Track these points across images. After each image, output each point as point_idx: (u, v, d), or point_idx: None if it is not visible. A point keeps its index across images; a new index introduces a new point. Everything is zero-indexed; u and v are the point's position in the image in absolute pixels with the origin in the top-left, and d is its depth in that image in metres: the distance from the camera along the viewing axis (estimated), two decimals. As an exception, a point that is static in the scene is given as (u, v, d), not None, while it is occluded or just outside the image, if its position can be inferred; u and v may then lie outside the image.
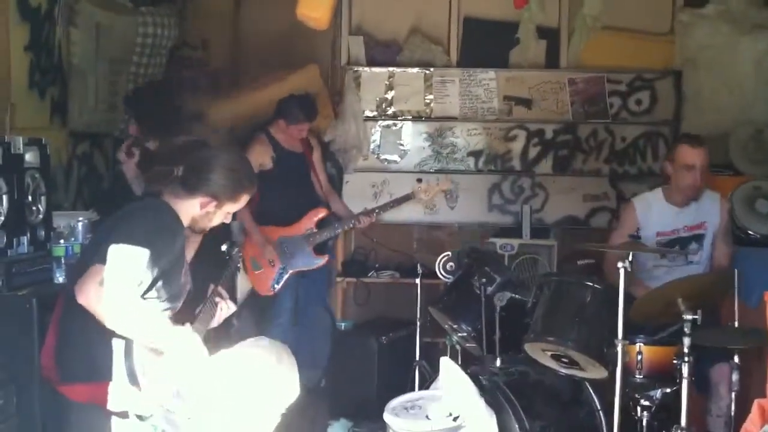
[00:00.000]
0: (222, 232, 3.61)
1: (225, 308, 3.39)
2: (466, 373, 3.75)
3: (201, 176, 3.11)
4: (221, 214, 3.20)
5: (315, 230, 5.28)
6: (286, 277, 5.21)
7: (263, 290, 5.23)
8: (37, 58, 4.61)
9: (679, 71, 6.10)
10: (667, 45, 6.15)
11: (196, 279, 3.34)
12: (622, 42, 6.15)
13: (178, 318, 3.08)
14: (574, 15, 6.15)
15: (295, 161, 5.33)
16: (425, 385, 4.33)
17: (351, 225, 5.34)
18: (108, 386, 2.87)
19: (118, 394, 2.87)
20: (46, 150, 3.88)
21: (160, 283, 2.97)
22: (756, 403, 3.12)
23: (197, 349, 2.98)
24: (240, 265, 3.69)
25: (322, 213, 5.34)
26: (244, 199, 3.24)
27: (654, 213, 4.34)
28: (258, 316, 5.37)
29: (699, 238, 4.32)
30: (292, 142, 5.33)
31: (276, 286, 5.21)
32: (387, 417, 3.66)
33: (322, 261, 5.35)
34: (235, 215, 3.48)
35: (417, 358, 4.64)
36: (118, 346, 2.84)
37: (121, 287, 2.79)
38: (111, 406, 2.89)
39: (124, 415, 2.89)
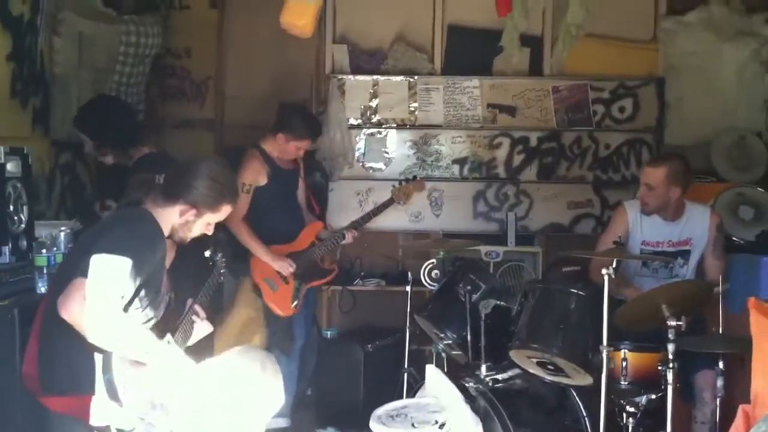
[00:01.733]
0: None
1: (202, 328, 3.37)
2: (452, 380, 3.75)
3: (182, 184, 3.09)
4: (201, 224, 3.17)
5: (318, 242, 5.19)
6: (303, 292, 5.08)
7: (284, 310, 4.99)
8: (19, 68, 4.59)
9: (662, 78, 6.13)
10: (649, 52, 6.19)
11: (178, 288, 3.32)
12: (606, 49, 6.18)
13: (159, 327, 3.06)
14: (557, 23, 6.17)
15: (288, 179, 5.17)
16: (412, 392, 4.32)
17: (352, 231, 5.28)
18: (89, 399, 2.85)
19: (98, 408, 2.85)
20: (28, 159, 3.86)
21: (142, 293, 2.95)
22: (740, 408, 3.12)
23: (180, 362, 2.97)
24: (224, 270, 3.65)
25: (320, 226, 5.29)
26: (225, 210, 3.22)
27: (644, 220, 4.35)
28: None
29: (684, 254, 4.33)
30: (285, 159, 5.11)
31: (295, 303, 5.02)
32: (373, 425, 3.65)
33: (333, 272, 5.30)
34: (220, 227, 3.44)
35: (405, 365, 4.62)
36: (97, 360, 2.82)
37: (104, 299, 2.76)
38: (93, 420, 2.87)
39: (105, 429, 2.87)
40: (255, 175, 4.96)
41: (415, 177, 5.75)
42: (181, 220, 3.13)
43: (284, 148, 5.03)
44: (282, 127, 4.99)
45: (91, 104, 4.77)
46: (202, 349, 3.25)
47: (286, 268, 4.96)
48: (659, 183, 4.23)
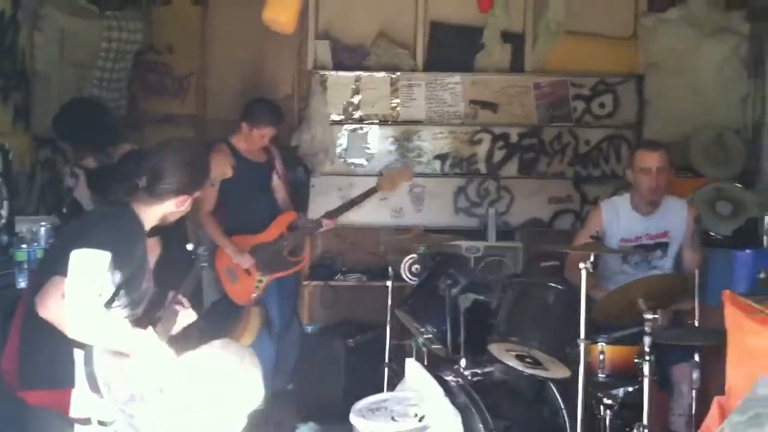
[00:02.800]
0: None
1: (184, 316, 3.39)
2: (432, 374, 3.78)
3: (166, 181, 3.11)
4: (189, 204, 3.24)
5: (287, 234, 5.25)
6: (264, 284, 5.16)
7: (243, 301, 5.11)
8: (0, 63, 4.58)
9: (642, 75, 6.17)
10: (629, 49, 6.23)
11: (160, 282, 3.33)
12: (586, 46, 6.22)
13: (141, 322, 3.07)
14: (538, 20, 6.20)
15: (257, 170, 5.24)
16: (392, 386, 4.35)
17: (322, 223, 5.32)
18: (69, 393, 2.87)
19: (79, 400, 2.86)
20: (9, 155, 3.86)
21: (122, 291, 2.96)
22: (715, 400, 3.16)
23: (161, 351, 2.98)
24: (206, 263, 3.67)
25: (291, 217, 5.31)
26: (207, 184, 3.38)
27: (621, 218, 4.36)
28: (227, 321, 5.31)
29: (663, 246, 4.36)
30: (254, 151, 5.21)
31: (256, 294, 5.11)
32: (353, 419, 3.67)
33: (299, 264, 5.33)
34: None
35: (386, 359, 4.65)
36: (78, 353, 2.83)
37: (83, 293, 2.77)
38: (73, 413, 2.88)
39: (86, 421, 2.89)
40: (219, 168, 5.01)
41: (405, 165, 5.76)
42: (176, 210, 3.17)
43: (249, 137, 5.13)
44: (244, 116, 5.12)
45: (64, 110, 4.75)
46: (181, 344, 3.26)
47: (245, 262, 5.05)
48: (663, 163, 4.24)
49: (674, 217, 4.33)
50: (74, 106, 4.81)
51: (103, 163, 4.67)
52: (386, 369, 4.60)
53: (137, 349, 2.93)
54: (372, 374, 4.68)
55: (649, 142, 4.42)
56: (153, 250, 3.54)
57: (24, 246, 3.82)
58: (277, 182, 5.34)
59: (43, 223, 4.03)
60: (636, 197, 4.35)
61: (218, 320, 5.17)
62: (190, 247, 3.60)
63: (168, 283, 3.41)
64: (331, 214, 5.34)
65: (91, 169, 4.73)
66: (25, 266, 3.77)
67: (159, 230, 3.35)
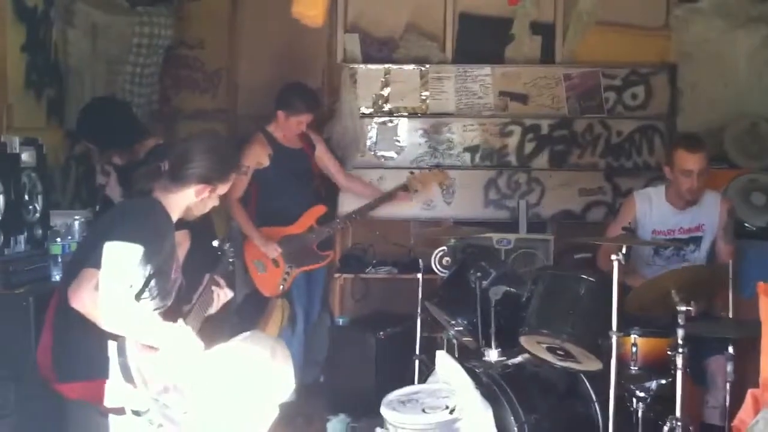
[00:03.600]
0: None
1: (222, 295, 3.42)
2: (463, 366, 3.78)
3: (189, 166, 3.13)
4: (214, 198, 3.24)
5: (316, 227, 5.27)
6: (292, 277, 5.18)
7: (270, 292, 5.16)
8: (34, 59, 4.64)
9: (674, 65, 6.11)
10: (661, 39, 6.16)
11: (189, 276, 3.35)
12: (617, 37, 6.15)
13: (169, 315, 3.09)
14: (568, 10, 6.15)
15: (295, 159, 5.26)
16: (423, 378, 4.35)
17: (354, 217, 5.39)
18: (103, 384, 2.90)
19: (113, 390, 2.89)
20: (42, 150, 3.92)
21: (152, 282, 2.99)
22: (749, 393, 3.13)
23: (192, 344, 3.01)
24: (233, 259, 3.69)
25: (321, 210, 5.32)
26: (233, 178, 3.31)
27: (654, 210, 4.34)
28: (258, 315, 5.34)
29: (696, 240, 4.32)
30: (291, 138, 5.24)
31: (283, 286, 5.15)
32: (384, 411, 3.68)
33: (327, 258, 5.35)
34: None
35: (417, 352, 4.65)
36: (111, 344, 2.87)
37: (116, 286, 2.80)
38: (107, 402, 2.91)
39: (120, 411, 2.91)
40: (255, 158, 5.10)
41: (438, 165, 5.75)
42: (197, 200, 3.18)
43: (286, 125, 5.15)
44: (279, 104, 5.13)
45: (85, 111, 4.77)
46: (212, 337, 3.28)
47: (272, 251, 5.08)
48: (704, 165, 4.20)
49: (708, 211, 4.29)
50: (94, 106, 4.82)
51: (129, 160, 4.71)
52: (417, 361, 4.61)
53: (167, 343, 2.96)
54: (403, 367, 4.69)
55: (690, 141, 4.30)
56: (182, 243, 3.57)
57: (58, 240, 3.87)
58: (321, 170, 5.40)
59: (77, 217, 4.08)
60: (672, 192, 4.30)
61: (251, 313, 5.22)
62: (215, 243, 3.63)
63: (196, 278, 3.44)
64: (362, 211, 5.37)
65: (120, 165, 4.78)
66: (60, 260, 3.82)
67: (186, 224, 3.37)
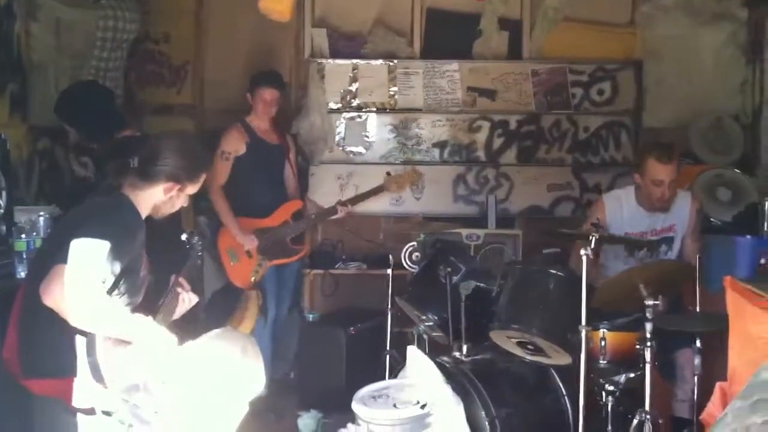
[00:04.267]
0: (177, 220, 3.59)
1: (186, 300, 3.38)
2: (433, 361, 3.78)
3: (158, 163, 3.10)
4: (183, 197, 3.21)
5: (291, 222, 5.25)
6: (264, 269, 5.17)
7: (241, 283, 5.14)
8: (-4, 53, 4.56)
9: (640, 62, 6.17)
10: (627, 36, 6.22)
11: (158, 270, 3.32)
12: (584, 33, 6.21)
13: (140, 311, 3.06)
14: (535, 6, 6.20)
15: (271, 151, 5.26)
16: (394, 374, 4.35)
17: (328, 214, 5.32)
18: (71, 381, 2.86)
19: (82, 390, 2.85)
20: (6, 145, 3.84)
21: (122, 279, 2.96)
22: (717, 386, 3.17)
23: (163, 338, 2.98)
24: (200, 253, 3.66)
25: (297, 205, 5.31)
26: (202, 179, 3.27)
27: (624, 212, 4.33)
28: (228, 310, 5.32)
29: (668, 240, 4.35)
30: (268, 132, 5.26)
31: (254, 278, 5.15)
32: (355, 406, 3.67)
33: (300, 253, 5.33)
34: (202, 209, 3.48)
35: (387, 347, 4.65)
36: (80, 343, 2.83)
37: (84, 282, 2.77)
38: (76, 402, 2.87)
39: (90, 411, 2.88)
40: (234, 144, 5.11)
41: (413, 168, 5.74)
42: (165, 198, 3.14)
43: (256, 108, 5.18)
44: (249, 89, 5.19)
45: (68, 92, 4.70)
46: (182, 334, 3.25)
47: (249, 242, 5.07)
48: (676, 172, 4.19)
49: (679, 211, 4.31)
50: (79, 89, 4.74)
51: (104, 148, 4.64)
52: (387, 356, 4.61)
53: (139, 336, 2.93)
54: (373, 362, 4.68)
55: (661, 151, 4.19)
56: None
57: (23, 236, 3.81)
58: (288, 171, 5.35)
59: (42, 213, 4.02)
60: (642, 196, 4.29)
61: (220, 309, 5.19)
62: (183, 236, 3.59)
63: (164, 272, 3.40)
64: (344, 203, 5.33)
65: (98, 155, 4.71)
66: (25, 256, 3.76)
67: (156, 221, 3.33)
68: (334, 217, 5.33)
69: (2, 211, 3.76)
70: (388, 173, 5.49)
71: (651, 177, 4.19)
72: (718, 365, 3.65)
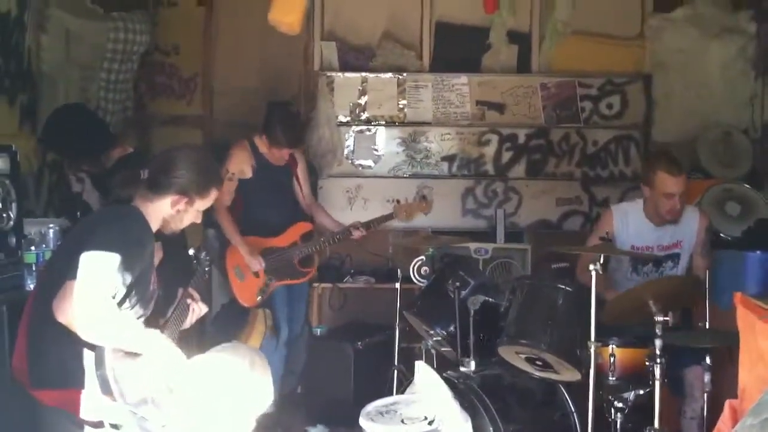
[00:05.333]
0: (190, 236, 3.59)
1: (197, 309, 3.37)
2: (441, 376, 3.77)
3: (168, 175, 3.09)
4: (192, 212, 3.18)
5: (300, 243, 5.19)
6: (271, 289, 5.11)
7: (247, 301, 5.06)
8: (6, 64, 4.58)
9: (649, 75, 6.16)
10: (636, 49, 6.22)
11: (165, 285, 3.31)
12: (593, 46, 6.21)
13: (149, 324, 3.06)
14: (544, 20, 6.20)
15: (278, 173, 5.17)
16: (401, 389, 4.34)
17: (339, 238, 5.20)
18: (79, 393, 2.86)
19: (91, 403, 2.85)
20: (16, 157, 3.84)
21: (132, 291, 2.95)
22: (727, 403, 3.14)
23: (172, 351, 2.97)
24: (208, 268, 3.65)
25: (307, 227, 5.26)
26: (213, 195, 3.24)
27: (631, 225, 4.31)
28: (235, 324, 5.29)
29: (674, 257, 4.33)
30: (276, 156, 5.13)
31: (260, 297, 5.08)
32: (363, 422, 3.65)
33: (308, 275, 5.29)
34: (209, 221, 3.47)
35: (395, 362, 4.63)
36: (89, 356, 2.82)
37: (93, 295, 2.76)
38: (84, 415, 2.87)
39: (98, 424, 2.87)
40: (239, 165, 5.02)
41: (424, 197, 5.69)
42: (172, 212, 3.13)
43: (271, 149, 5.06)
44: (265, 129, 5.04)
45: (51, 120, 4.67)
46: (189, 348, 3.25)
47: (256, 265, 4.99)
48: (686, 185, 4.18)
49: (687, 227, 4.28)
50: (60, 115, 4.69)
51: (99, 169, 4.64)
52: (395, 371, 4.59)
53: (149, 349, 2.92)
54: (381, 377, 4.67)
55: (671, 163, 4.18)
56: (156, 253, 3.52)
57: (33, 248, 3.81)
58: (297, 188, 5.27)
59: (51, 225, 4.02)
60: (650, 209, 4.26)
61: (228, 322, 5.17)
62: (191, 251, 3.59)
63: (172, 288, 3.40)
64: (358, 227, 5.20)
65: (92, 173, 4.71)
66: (34, 268, 3.76)
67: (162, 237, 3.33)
68: (350, 238, 5.20)
69: (12, 223, 3.76)
70: (398, 201, 5.41)
71: (661, 190, 4.17)
72: (728, 382, 3.63)
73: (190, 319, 3.37)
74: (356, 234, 5.16)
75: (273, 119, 5.03)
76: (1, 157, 3.73)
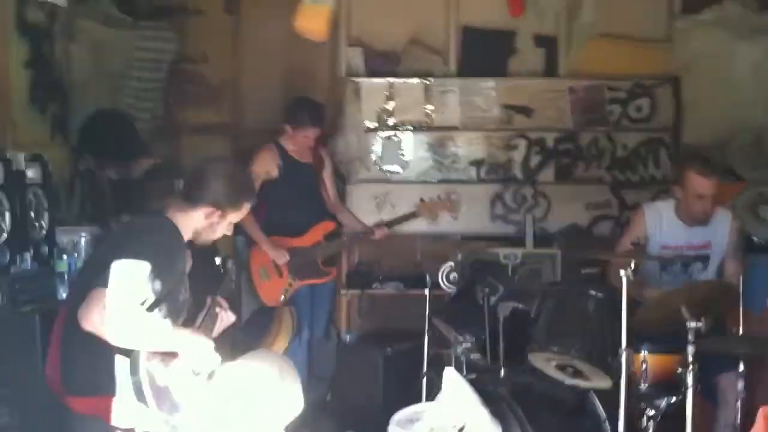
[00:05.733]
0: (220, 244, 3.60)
1: (225, 318, 3.39)
2: (471, 384, 3.75)
3: (202, 187, 3.13)
4: (225, 224, 3.22)
5: (323, 242, 5.23)
6: (294, 288, 5.17)
7: (271, 300, 5.13)
8: (37, 75, 4.64)
9: (678, 77, 6.10)
10: (664, 51, 6.16)
11: (194, 291, 3.33)
12: (620, 49, 6.15)
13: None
14: (571, 23, 6.16)
15: (303, 172, 5.24)
16: (431, 396, 4.32)
17: (362, 237, 5.29)
18: (111, 400, 2.88)
19: (124, 411, 2.86)
20: (48, 166, 3.90)
21: (164, 301, 2.97)
22: (761, 410, 3.10)
23: (208, 348, 2.99)
24: (235, 277, 3.67)
25: (330, 227, 5.30)
26: (246, 208, 3.27)
27: (664, 224, 4.29)
28: (265, 330, 5.31)
29: (704, 258, 4.29)
30: (302, 152, 5.22)
31: (284, 297, 5.14)
32: (392, 430, 3.65)
33: (331, 274, 5.33)
34: (238, 228, 3.48)
35: (424, 369, 4.61)
36: (123, 362, 2.84)
37: (124, 303, 2.78)
38: (117, 422, 2.88)
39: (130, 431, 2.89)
40: (265, 166, 5.09)
41: (448, 196, 5.69)
42: (205, 223, 3.16)
43: (294, 139, 5.14)
44: (287, 118, 5.13)
45: (88, 120, 4.77)
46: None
47: (281, 257, 5.05)
48: (716, 188, 4.15)
49: (718, 229, 4.25)
50: (98, 116, 4.83)
51: (122, 176, 4.69)
52: (425, 378, 4.57)
53: (184, 345, 2.94)
54: (410, 384, 4.65)
55: (703, 165, 4.18)
56: (186, 260, 3.54)
57: (65, 257, 3.86)
58: (323, 187, 5.33)
59: (83, 234, 4.07)
60: (682, 209, 4.25)
61: (257, 329, 5.18)
62: (218, 260, 3.60)
63: (201, 295, 3.41)
64: (381, 226, 5.28)
65: (113, 180, 4.75)
66: (66, 277, 3.81)
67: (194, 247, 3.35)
68: (373, 238, 5.27)
69: (44, 231, 3.81)
70: (422, 200, 5.43)
71: (693, 191, 4.15)
72: (761, 389, 3.59)
73: (219, 328, 3.38)
74: (378, 233, 5.21)
75: (292, 106, 5.17)
76: (33, 167, 3.79)
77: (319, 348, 5.42)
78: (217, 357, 3.04)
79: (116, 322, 2.76)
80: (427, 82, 6.15)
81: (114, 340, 2.79)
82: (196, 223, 3.15)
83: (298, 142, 5.15)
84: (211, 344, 3.04)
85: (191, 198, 3.13)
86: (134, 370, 2.81)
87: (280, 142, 5.19)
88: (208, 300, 3.39)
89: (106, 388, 2.87)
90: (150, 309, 2.91)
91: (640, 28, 6.17)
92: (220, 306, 3.39)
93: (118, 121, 4.91)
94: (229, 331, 3.49)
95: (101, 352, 2.84)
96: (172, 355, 2.92)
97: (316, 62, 6.24)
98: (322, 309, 5.39)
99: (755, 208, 5.11)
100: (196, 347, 2.98)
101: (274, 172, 5.12)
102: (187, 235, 3.15)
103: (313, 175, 5.29)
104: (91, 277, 2.89)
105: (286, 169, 5.14)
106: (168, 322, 3.01)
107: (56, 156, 4.62)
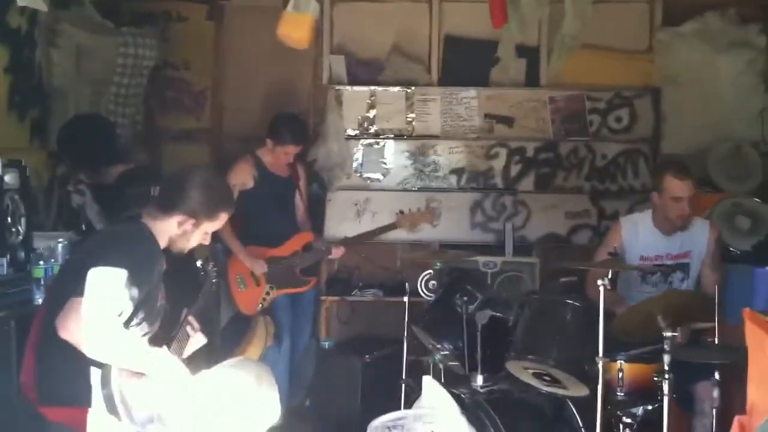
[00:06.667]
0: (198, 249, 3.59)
1: (195, 341, 3.37)
2: (449, 391, 3.76)
3: (178, 194, 3.11)
4: (199, 233, 3.19)
5: (301, 253, 5.27)
6: (271, 297, 5.17)
7: (248, 309, 5.18)
8: (17, 80, 4.61)
9: (658, 89, 6.14)
10: (645, 63, 6.20)
11: (170, 296, 3.31)
12: (601, 60, 6.19)
13: (156, 340, 3.06)
14: (553, 33, 6.16)
15: (279, 184, 5.29)
16: (409, 403, 4.32)
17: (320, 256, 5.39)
18: (86, 412, 2.86)
19: (97, 422, 2.85)
20: (26, 171, 3.88)
21: (140, 308, 2.96)
22: (736, 419, 3.12)
23: (178, 371, 2.97)
24: (216, 279, 3.66)
25: (308, 238, 5.34)
26: (223, 218, 3.25)
27: (640, 236, 4.33)
28: (241, 337, 5.31)
29: (683, 267, 4.32)
30: (279, 165, 5.27)
31: (261, 306, 5.16)
32: (370, 437, 3.65)
33: (309, 283, 5.34)
34: (215, 237, 3.47)
35: (403, 376, 4.62)
36: (95, 374, 2.82)
37: (100, 312, 2.77)
38: (90, 434, 2.87)
39: (104, 443, 2.88)
40: (241, 177, 5.13)
41: (428, 206, 5.72)
42: (179, 231, 3.14)
43: (274, 154, 5.19)
44: (269, 133, 5.18)
45: (67, 125, 4.76)
46: (197, 363, 3.25)
47: (258, 268, 5.11)
48: (693, 189, 4.21)
49: (696, 238, 4.29)
50: (77, 120, 4.81)
51: (98, 181, 4.68)
52: (403, 385, 4.58)
53: (154, 369, 2.92)
54: (389, 390, 4.65)
55: (678, 167, 4.25)
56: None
57: (41, 262, 3.83)
58: (298, 200, 5.37)
59: (60, 240, 4.04)
60: (659, 217, 4.29)
61: (236, 335, 5.18)
62: (199, 263, 3.59)
63: (178, 300, 3.40)
64: (346, 242, 5.41)
65: (92, 185, 4.74)
66: (42, 282, 3.78)
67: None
68: (330, 257, 5.41)
69: (21, 237, 3.79)
70: (401, 211, 5.46)
71: (670, 194, 4.20)
72: (737, 398, 3.60)
73: (188, 351, 3.36)
74: (336, 252, 5.36)
75: (277, 122, 5.20)
76: (11, 172, 3.77)
77: (300, 355, 5.42)
78: (187, 375, 3.02)
79: (92, 333, 2.75)
80: (409, 91, 6.17)
81: (88, 351, 2.78)
82: (170, 231, 3.13)
83: (278, 157, 5.22)
84: (182, 367, 3.02)
85: (165, 205, 3.12)
86: (105, 382, 2.80)
87: (257, 153, 5.23)
88: (183, 312, 3.37)
89: (81, 398, 2.86)
90: (128, 321, 2.90)
91: (621, 40, 6.21)
92: (192, 326, 3.37)
93: (97, 127, 4.87)
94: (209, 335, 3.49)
95: (76, 362, 2.83)
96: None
97: (299, 70, 6.24)
98: (305, 318, 5.41)
99: (732, 218, 5.14)
100: (167, 370, 2.96)
101: (250, 183, 5.16)
102: (162, 242, 3.13)
103: (291, 188, 5.33)
104: (68, 284, 2.88)
105: (262, 181, 5.20)
106: (143, 336, 3.00)
107: (35, 161, 4.60)
